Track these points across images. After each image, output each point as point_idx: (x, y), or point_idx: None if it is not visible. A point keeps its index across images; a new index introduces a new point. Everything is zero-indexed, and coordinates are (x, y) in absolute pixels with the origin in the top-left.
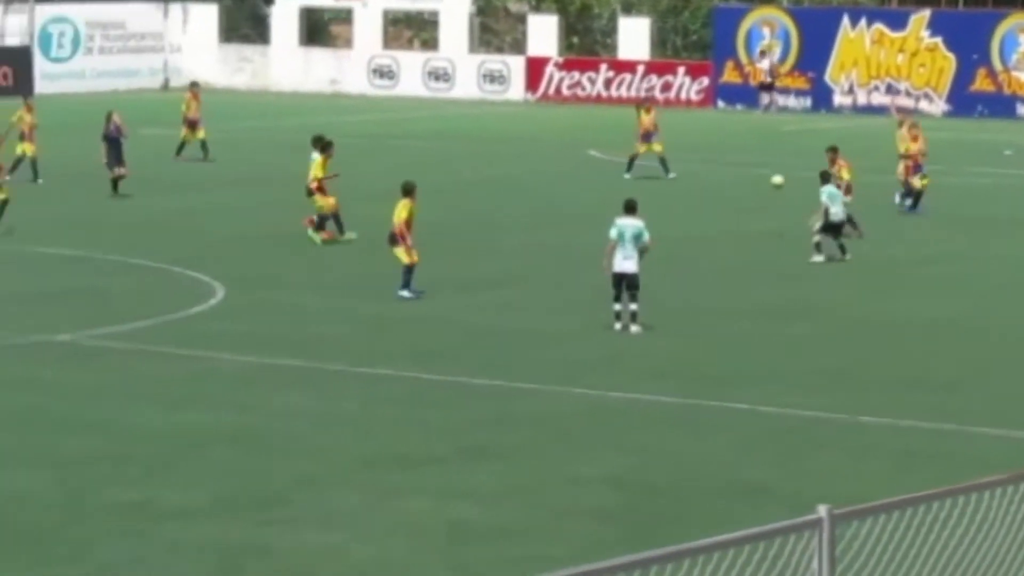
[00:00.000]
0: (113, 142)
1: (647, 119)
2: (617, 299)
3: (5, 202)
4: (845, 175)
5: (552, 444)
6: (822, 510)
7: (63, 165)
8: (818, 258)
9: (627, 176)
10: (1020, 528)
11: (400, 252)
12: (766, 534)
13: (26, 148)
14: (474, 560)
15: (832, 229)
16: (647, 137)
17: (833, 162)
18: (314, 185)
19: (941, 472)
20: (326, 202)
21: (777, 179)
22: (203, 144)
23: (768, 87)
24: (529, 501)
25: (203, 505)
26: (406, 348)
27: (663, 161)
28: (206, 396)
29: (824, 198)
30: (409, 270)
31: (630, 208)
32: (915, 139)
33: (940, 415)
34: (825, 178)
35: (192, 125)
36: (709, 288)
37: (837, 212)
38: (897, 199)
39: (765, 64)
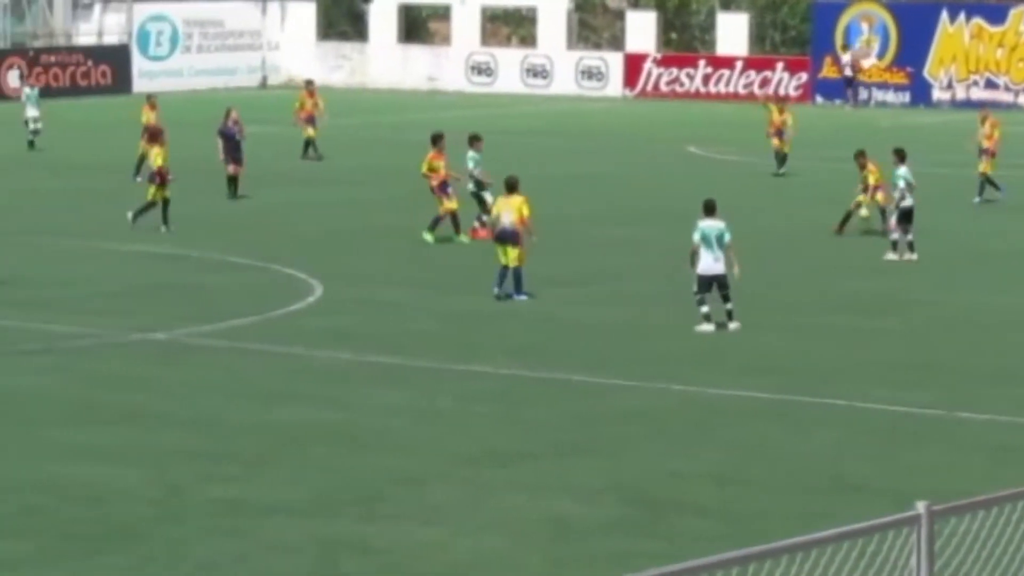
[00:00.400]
0: (230, 139)
1: (778, 119)
2: (702, 302)
3: (166, 201)
4: (872, 179)
5: (650, 440)
6: (920, 506)
7: None
8: (896, 256)
9: (781, 171)
10: None
11: (516, 254)
12: (865, 530)
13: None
14: (573, 555)
15: (906, 218)
16: (780, 134)
17: (863, 167)
18: (434, 183)
19: None
20: (447, 203)
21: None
22: (307, 142)
23: (851, 81)
24: (627, 497)
25: (301, 502)
26: (501, 344)
27: (784, 158)
28: (303, 393)
29: (901, 184)
30: (519, 271)
31: (710, 209)
32: None
33: None
34: (901, 157)
35: (309, 122)
36: (801, 283)
37: (908, 199)
38: (977, 199)
39: (847, 58)
